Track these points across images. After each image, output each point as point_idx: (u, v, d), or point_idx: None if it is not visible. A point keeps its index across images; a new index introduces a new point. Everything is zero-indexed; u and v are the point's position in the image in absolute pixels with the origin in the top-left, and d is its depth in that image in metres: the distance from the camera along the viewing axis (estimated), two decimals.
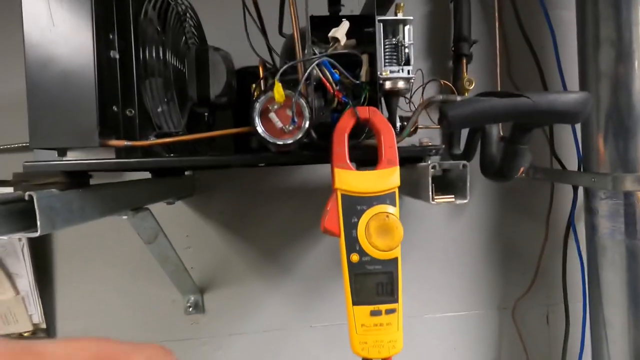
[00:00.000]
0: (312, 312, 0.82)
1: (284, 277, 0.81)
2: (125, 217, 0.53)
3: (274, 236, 0.80)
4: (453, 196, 0.38)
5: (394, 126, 0.41)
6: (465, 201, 0.38)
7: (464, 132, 0.70)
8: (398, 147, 0.37)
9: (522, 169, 0.66)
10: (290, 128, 0.32)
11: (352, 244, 0.35)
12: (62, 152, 0.40)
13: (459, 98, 0.40)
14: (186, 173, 0.75)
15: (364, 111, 0.37)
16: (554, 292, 0.83)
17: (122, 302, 0.78)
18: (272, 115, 0.32)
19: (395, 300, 0.34)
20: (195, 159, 0.41)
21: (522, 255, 0.83)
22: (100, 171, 0.44)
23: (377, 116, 0.37)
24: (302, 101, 0.32)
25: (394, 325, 0.34)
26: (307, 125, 0.32)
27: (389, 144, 0.36)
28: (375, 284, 0.34)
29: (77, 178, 0.39)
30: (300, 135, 0.32)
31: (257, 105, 0.31)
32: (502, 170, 0.57)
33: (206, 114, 0.55)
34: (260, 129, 0.32)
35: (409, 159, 0.41)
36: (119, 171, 0.44)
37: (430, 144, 0.41)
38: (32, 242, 0.71)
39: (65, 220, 0.37)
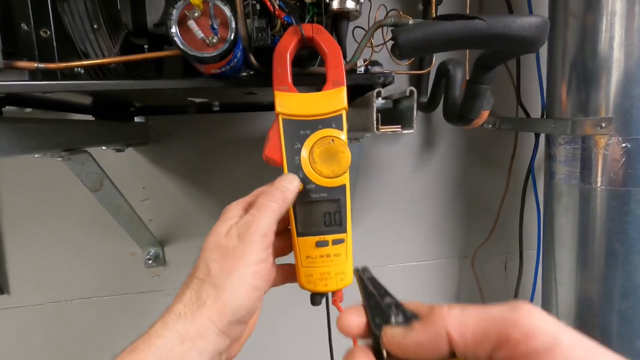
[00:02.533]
0: None
1: None
2: (59, 159, 0.48)
3: (233, 186, 0.77)
4: (400, 126, 0.36)
5: (344, 52, 0.38)
6: (412, 131, 0.36)
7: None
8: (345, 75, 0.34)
9: (486, 114, 0.64)
10: (214, 40, 0.29)
11: (295, 171, 0.32)
12: None
13: (411, 21, 0.37)
14: (137, 119, 0.70)
15: (308, 29, 0.33)
16: (513, 241, 0.85)
17: (78, 256, 0.74)
18: (191, 23, 0.28)
19: (344, 230, 0.33)
20: (117, 83, 0.36)
21: (484, 206, 0.85)
22: (9, 95, 0.39)
23: (323, 34, 0.34)
24: (224, 8, 0.28)
25: (342, 257, 0.33)
26: (232, 37, 0.29)
27: (335, 63, 0.33)
28: (321, 213, 0.33)
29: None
30: (224, 48, 0.29)
31: (174, 12, 0.27)
32: (463, 111, 0.56)
33: (146, 46, 0.50)
34: (177, 39, 0.28)
35: (358, 89, 0.38)
36: (32, 94, 0.39)
37: (380, 71, 0.38)
38: None
39: None
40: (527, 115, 0.73)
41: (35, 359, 0.76)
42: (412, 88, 0.35)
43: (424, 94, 0.75)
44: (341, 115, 0.33)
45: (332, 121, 0.33)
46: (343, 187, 0.33)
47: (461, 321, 0.18)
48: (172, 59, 0.46)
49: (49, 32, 0.37)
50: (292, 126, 0.33)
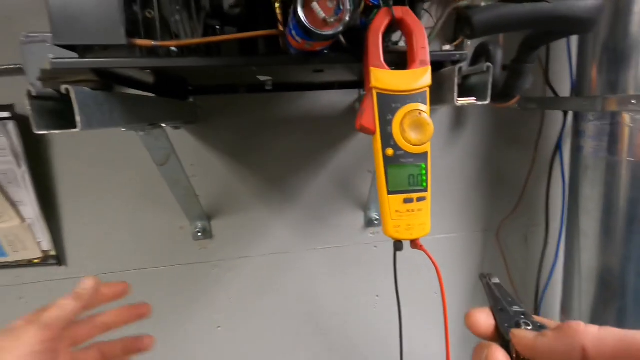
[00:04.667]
0: (314, 236, 0.87)
1: (288, 204, 0.84)
2: (141, 132, 0.52)
3: (278, 165, 0.82)
4: (475, 98, 0.40)
5: None
6: (487, 102, 0.40)
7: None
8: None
9: (517, 97, 0.69)
10: (332, 20, 0.33)
11: (387, 139, 0.37)
12: (83, 53, 0.39)
13: (483, 3, 0.41)
14: (189, 99, 0.73)
15: (398, 10, 0.37)
16: (535, 215, 0.91)
17: (130, 228, 0.79)
18: (315, 4, 0.32)
19: (426, 190, 0.38)
20: (223, 59, 0.40)
21: (509, 182, 0.90)
22: (128, 68, 0.43)
23: (411, 16, 0.37)
24: None
25: (424, 211, 0.38)
26: (348, 18, 0.33)
27: (422, 44, 0.37)
28: (407, 175, 0.37)
29: (105, 79, 0.39)
30: (341, 28, 0.33)
31: None
32: (507, 89, 0.61)
33: (217, 27, 0.53)
34: (303, 16, 0.32)
35: (433, 65, 0.43)
36: (147, 69, 0.42)
37: (453, 50, 0.42)
38: (32, 170, 0.69)
39: (99, 121, 0.37)
40: (555, 94, 0.77)
41: None
42: (489, 64, 0.39)
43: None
44: (426, 91, 0.37)
45: (418, 97, 0.37)
46: (425, 154, 0.38)
47: (600, 339, 0.19)
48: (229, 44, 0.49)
49: (152, 13, 0.40)
50: (384, 100, 0.37)
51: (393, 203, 0.38)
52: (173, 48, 0.43)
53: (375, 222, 0.87)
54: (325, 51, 0.41)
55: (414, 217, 0.38)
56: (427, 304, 0.95)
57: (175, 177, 0.66)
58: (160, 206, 0.79)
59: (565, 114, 0.76)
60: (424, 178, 0.38)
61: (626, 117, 0.63)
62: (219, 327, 0.88)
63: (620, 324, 0.70)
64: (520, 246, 0.94)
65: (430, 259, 0.38)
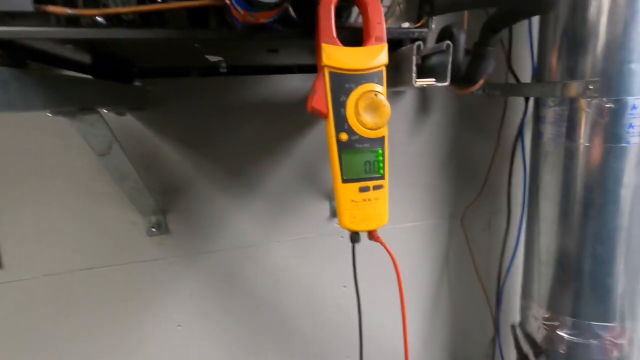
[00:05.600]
0: (278, 228, 0.84)
1: (249, 195, 0.80)
2: (70, 118, 0.46)
3: (238, 154, 0.77)
4: (434, 79, 0.38)
5: None
6: (447, 84, 0.38)
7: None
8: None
9: (481, 82, 0.68)
10: None
11: (341, 123, 0.34)
12: None
13: None
14: (136, 83, 0.67)
15: None
16: (498, 201, 0.93)
17: (75, 226, 0.72)
18: None
19: (383, 177, 0.35)
20: (155, 31, 0.36)
21: (474, 169, 0.91)
22: (38, 40, 0.37)
23: None
24: None
25: (381, 200, 0.36)
26: None
27: (377, 19, 0.34)
28: (363, 161, 0.35)
29: (12, 53, 0.33)
30: None
31: None
32: (469, 73, 0.59)
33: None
34: None
35: (389, 43, 0.40)
36: (59, 42, 0.36)
37: (412, 27, 0.40)
38: None
39: (6, 103, 0.32)
40: (517, 80, 0.77)
41: (38, 334, 0.75)
42: (449, 42, 0.37)
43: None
44: (382, 71, 0.35)
45: (374, 76, 0.34)
46: (382, 138, 0.36)
47: None
48: (176, 15, 0.44)
49: None
50: (337, 79, 0.34)
51: (348, 192, 0.35)
52: (99, 18, 0.37)
53: None
54: (275, 25, 0.37)
55: (371, 206, 0.35)
56: (396, 292, 0.94)
57: (121, 168, 0.61)
58: (109, 201, 0.72)
59: (527, 100, 0.76)
60: (381, 164, 0.35)
61: (584, 103, 0.63)
62: (179, 325, 0.83)
63: (576, 305, 0.72)
64: (484, 232, 0.95)
65: (388, 251, 0.35)
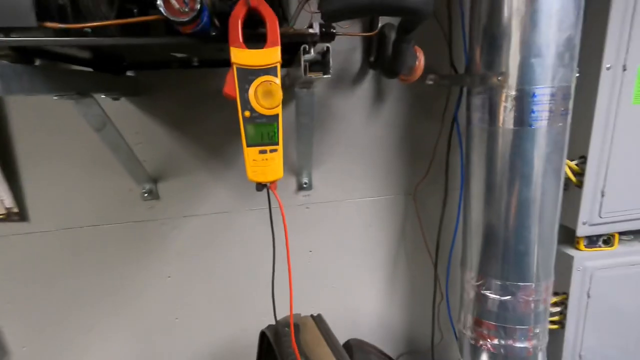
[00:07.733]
0: (252, 198, 0.99)
1: (227, 169, 0.96)
2: (71, 100, 0.62)
3: (216, 134, 0.92)
4: (322, 72, 0.51)
5: (284, 18, 0.52)
6: (329, 76, 0.51)
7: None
8: (281, 34, 0.48)
9: (419, 71, 0.79)
10: (186, 10, 0.42)
11: (245, 104, 0.48)
12: (6, 33, 0.49)
13: None
14: (128, 73, 0.83)
15: (254, 0, 0.47)
16: (443, 179, 1.03)
17: (84, 189, 0.90)
18: None
19: (277, 144, 0.49)
20: (117, 39, 0.50)
21: (424, 150, 1.02)
22: (40, 46, 0.53)
23: (263, 5, 0.47)
24: None
25: (276, 160, 0.49)
26: (198, 6, 0.42)
27: (273, 28, 0.47)
28: (261, 132, 0.48)
29: (23, 54, 0.48)
30: (193, 15, 0.43)
31: None
32: (392, 65, 0.71)
33: (135, 10, 0.62)
34: (162, 8, 0.41)
35: (292, 46, 0.52)
36: (58, 45, 0.51)
37: (310, 31, 0.52)
38: None
39: (18, 88, 0.47)
40: (456, 72, 0.87)
41: (53, 280, 0.94)
42: (328, 45, 0.50)
43: (373, 53, 0.89)
44: (276, 66, 0.48)
45: (270, 70, 0.48)
46: (277, 115, 0.49)
47: None
48: (157, 25, 0.59)
49: (65, 0, 0.50)
50: (243, 73, 0.47)
51: (251, 153, 0.49)
52: (87, 29, 0.52)
53: (305, 185, 0.98)
54: (208, 32, 0.50)
55: (268, 165, 0.49)
56: (355, 255, 1.08)
57: (115, 142, 0.77)
58: (110, 170, 0.89)
59: (461, 89, 0.87)
60: (276, 134, 0.49)
61: (498, 92, 0.74)
62: (169, 277, 1.00)
63: (503, 272, 0.83)
64: (433, 207, 1.06)
65: (278, 200, 0.49)
